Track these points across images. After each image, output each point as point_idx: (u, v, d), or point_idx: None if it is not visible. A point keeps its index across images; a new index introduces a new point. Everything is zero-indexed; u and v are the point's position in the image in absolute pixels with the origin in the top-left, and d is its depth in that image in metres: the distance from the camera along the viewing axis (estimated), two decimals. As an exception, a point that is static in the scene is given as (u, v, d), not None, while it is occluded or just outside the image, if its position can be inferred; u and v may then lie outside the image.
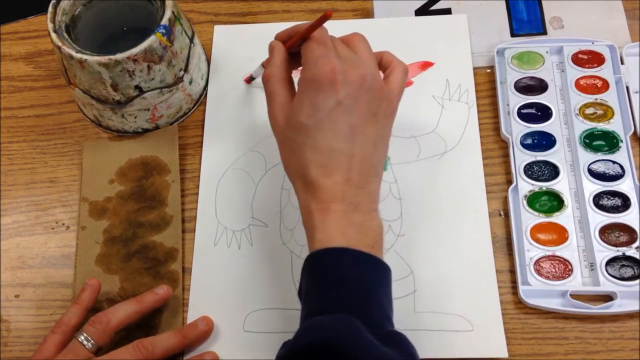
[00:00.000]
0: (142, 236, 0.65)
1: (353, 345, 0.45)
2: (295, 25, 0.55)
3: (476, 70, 0.71)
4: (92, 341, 0.56)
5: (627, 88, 0.68)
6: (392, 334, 0.48)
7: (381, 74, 0.56)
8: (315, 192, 0.51)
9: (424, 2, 0.75)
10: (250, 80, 0.71)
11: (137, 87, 0.65)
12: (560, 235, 0.61)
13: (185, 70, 0.68)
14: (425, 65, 0.71)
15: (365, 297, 0.48)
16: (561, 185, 0.63)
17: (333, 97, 0.50)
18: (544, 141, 0.66)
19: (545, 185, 0.63)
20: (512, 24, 0.74)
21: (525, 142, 0.66)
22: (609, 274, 0.59)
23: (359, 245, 0.49)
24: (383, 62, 0.56)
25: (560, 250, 0.61)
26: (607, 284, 0.59)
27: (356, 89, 0.51)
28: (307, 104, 0.51)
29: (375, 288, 0.49)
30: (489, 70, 0.71)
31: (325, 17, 0.51)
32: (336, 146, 0.51)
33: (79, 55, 0.62)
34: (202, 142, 0.70)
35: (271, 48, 0.56)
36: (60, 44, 0.63)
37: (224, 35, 0.76)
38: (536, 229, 0.62)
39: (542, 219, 0.62)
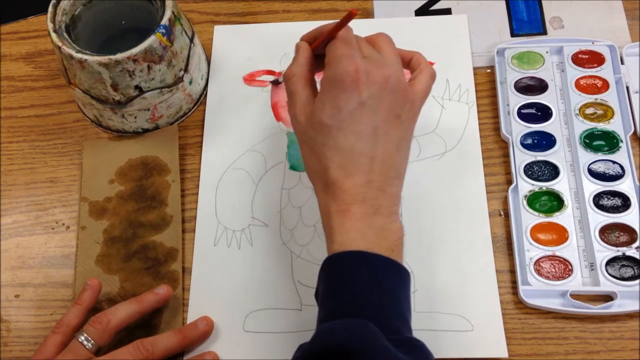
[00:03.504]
0: (142, 236, 0.65)
1: (368, 351, 0.44)
2: (320, 26, 0.55)
3: (476, 70, 0.71)
4: (92, 341, 0.56)
5: (627, 88, 0.68)
6: (410, 340, 0.48)
7: (408, 74, 0.55)
8: (335, 193, 0.50)
9: (424, 2, 0.75)
10: (276, 83, 0.71)
11: (137, 87, 0.65)
12: (560, 235, 0.61)
13: (185, 70, 0.68)
14: (425, 65, 0.71)
15: (383, 303, 0.48)
16: (561, 185, 0.63)
17: (356, 97, 0.50)
18: (544, 141, 0.66)
19: (545, 185, 0.63)
20: (512, 24, 0.74)
21: (525, 142, 0.66)
22: (609, 274, 0.59)
23: (379, 249, 0.49)
24: (412, 63, 0.56)
25: (560, 250, 0.61)
26: (607, 284, 0.59)
27: (379, 90, 0.50)
28: (330, 104, 0.50)
29: (393, 293, 0.49)
30: (489, 70, 0.71)
31: (351, 16, 0.51)
32: (358, 147, 0.50)
33: (79, 55, 0.62)
34: (202, 142, 0.70)
35: (297, 48, 0.56)
36: (60, 44, 0.63)
37: (224, 35, 0.76)
38: (536, 229, 0.62)
39: (542, 219, 0.62)
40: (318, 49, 0.55)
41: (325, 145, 0.50)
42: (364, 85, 0.50)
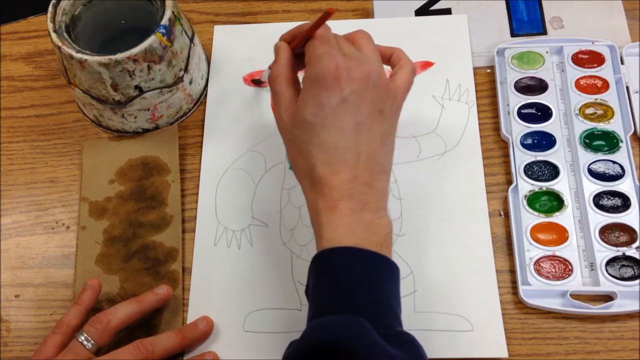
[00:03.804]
0: (142, 236, 0.65)
1: (360, 346, 0.44)
2: (299, 26, 0.55)
3: (476, 70, 0.71)
4: (92, 341, 0.56)
5: (627, 88, 0.68)
6: (401, 334, 0.48)
7: (389, 70, 0.55)
8: (322, 190, 0.50)
9: (424, 2, 0.75)
10: (257, 83, 0.71)
11: (137, 87, 0.65)
12: (560, 235, 0.61)
13: (185, 70, 0.68)
14: (425, 65, 0.71)
15: (373, 297, 0.48)
16: (561, 185, 0.63)
17: (337, 94, 0.50)
18: (544, 141, 0.66)
19: (545, 185, 0.63)
20: (512, 24, 0.74)
21: (525, 142, 0.66)
22: (609, 274, 0.59)
23: (368, 244, 0.49)
24: (392, 59, 0.56)
25: (560, 250, 0.61)
26: (607, 284, 0.59)
27: (361, 86, 0.51)
28: (312, 102, 0.51)
29: (383, 288, 0.49)
30: (489, 70, 0.71)
31: (328, 15, 0.51)
32: (342, 143, 0.50)
33: (79, 55, 0.62)
34: (202, 142, 0.70)
35: (276, 49, 0.56)
36: (60, 44, 0.63)
37: (224, 35, 0.76)
38: (536, 229, 0.62)
39: (542, 219, 0.62)
40: (297, 48, 0.55)
41: (310, 143, 0.51)
42: (345, 82, 0.50)
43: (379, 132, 0.52)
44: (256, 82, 0.71)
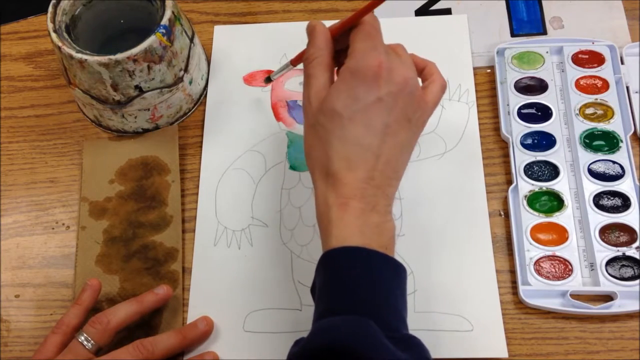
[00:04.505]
0: (142, 236, 0.65)
1: (367, 348, 0.44)
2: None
3: (476, 70, 0.71)
4: (92, 341, 0.56)
5: (627, 88, 0.68)
6: (407, 338, 0.48)
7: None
8: (335, 184, 0.50)
9: (424, 2, 0.75)
10: (268, 81, 0.68)
11: (137, 87, 0.65)
12: (560, 235, 0.61)
13: (185, 70, 0.68)
14: (425, 65, 0.71)
15: (381, 299, 0.48)
16: (561, 185, 0.63)
17: (374, 92, 0.49)
18: (544, 141, 0.66)
19: (545, 185, 0.63)
20: (512, 24, 0.74)
21: (525, 142, 0.66)
22: (609, 274, 0.59)
23: (375, 246, 0.48)
24: (425, 72, 0.56)
25: (560, 250, 0.61)
26: (607, 284, 0.59)
27: (398, 90, 0.50)
28: (346, 93, 0.50)
29: (391, 290, 0.49)
30: (489, 70, 0.71)
31: (378, 1, 0.50)
32: (366, 142, 0.50)
33: (79, 55, 0.62)
34: (202, 142, 0.70)
35: (312, 28, 0.54)
36: (60, 44, 0.63)
37: (224, 35, 0.76)
38: (536, 229, 0.62)
39: (542, 219, 0.62)
40: (336, 35, 0.53)
41: (333, 133, 0.50)
42: (384, 81, 0.50)
43: (402, 140, 0.51)
44: (267, 80, 0.69)
